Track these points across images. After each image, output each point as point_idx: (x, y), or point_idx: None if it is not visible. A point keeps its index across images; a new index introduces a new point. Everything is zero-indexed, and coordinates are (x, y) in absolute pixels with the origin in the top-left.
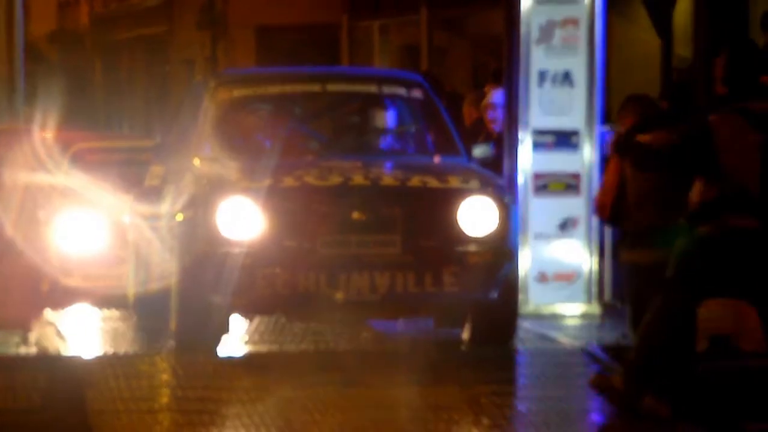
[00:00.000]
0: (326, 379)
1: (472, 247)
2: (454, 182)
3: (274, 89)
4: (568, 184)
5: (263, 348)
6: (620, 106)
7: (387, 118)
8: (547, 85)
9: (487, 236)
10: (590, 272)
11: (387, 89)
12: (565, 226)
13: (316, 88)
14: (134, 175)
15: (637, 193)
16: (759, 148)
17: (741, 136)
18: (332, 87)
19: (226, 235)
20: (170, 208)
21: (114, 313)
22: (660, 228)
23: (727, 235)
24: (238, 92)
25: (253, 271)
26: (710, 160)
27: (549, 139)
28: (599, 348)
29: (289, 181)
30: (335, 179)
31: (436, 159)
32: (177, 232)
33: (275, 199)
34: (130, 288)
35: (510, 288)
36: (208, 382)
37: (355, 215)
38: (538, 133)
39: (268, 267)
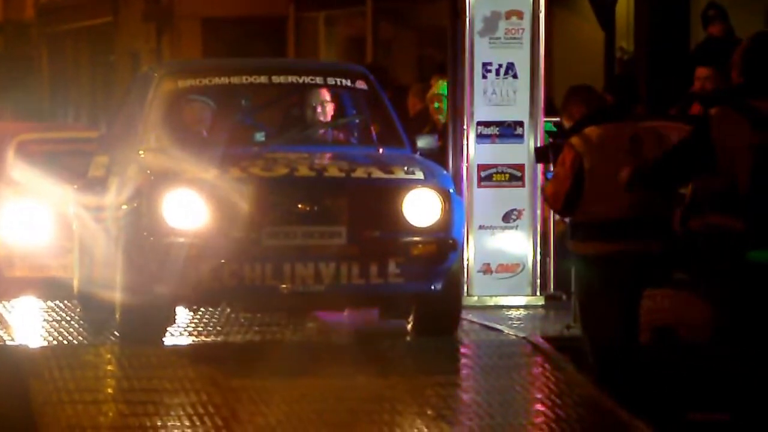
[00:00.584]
0: (272, 370)
1: (416, 238)
2: (399, 173)
3: (220, 80)
4: (513, 175)
5: (209, 339)
6: (564, 97)
7: (332, 110)
8: (492, 76)
9: (431, 227)
10: (534, 264)
11: (332, 81)
12: (510, 217)
13: (261, 79)
14: (79, 165)
15: (601, 186)
16: (753, 150)
17: (738, 134)
18: (278, 78)
19: (172, 226)
20: (115, 199)
21: (59, 303)
22: (624, 220)
23: (709, 234)
24: (183, 83)
25: (198, 263)
26: (707, 155)
27: (493, 130)
28: (543, 339)
29: (234, 172)
30: (281, 170)
31: (381, 150)
32: (122, 223)
33: (221, 190)
34: (75, 279)
35: (454, 279)
36: (153, 373)
37: (301, 206)
38: (483, 124)
39: (214, 258)
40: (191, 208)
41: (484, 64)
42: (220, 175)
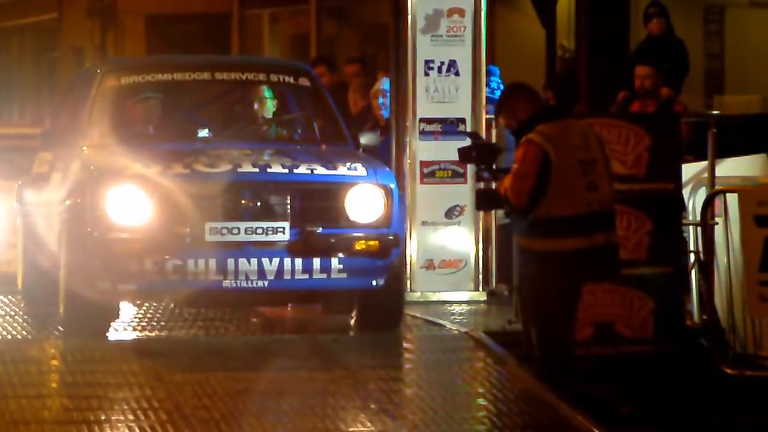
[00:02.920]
0: (215, 365)
1: (359, 234)
2: (341, 170)
3: (163, 77)
4: (455, 172)
5: (153, 333)
6: (506, 95)
7: (275, 107)
8: (434, 74)
9: (373, 223)
10: (477, 259)
11: (275, 78)
12: (452, 213)
13: (205, 76)
14: (23, 161)
15: (564, 182)
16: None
17: None
18: (221, 75)
19: (114, 222)
20: (58, 194)
21: (2, 298)
22: (588, 215)
23: None
24: (126, 79)
25: (141, 258)
26: None
27: (436, 127)
28: (485, 333)
29: (177, 168)
30: (224, 166)
31: (324, 147)
32: (65, 218)
33: (164, 185)
34: (19, 274)
35: (396, 275)
36: (97, 367)
37: (244, 202)
38: (425, 121)
39: (157, 254)
40: (134, 204)
41: (427, 62)
42: (163, 171)
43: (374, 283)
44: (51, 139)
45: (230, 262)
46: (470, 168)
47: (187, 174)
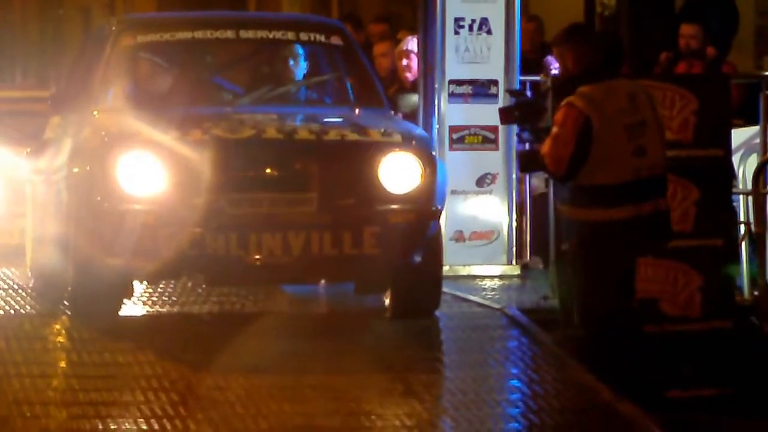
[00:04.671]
0: (231, 343)
1: (394, 206)
2: (375, 136)
3: (182, 35)
4: (486, 138)
5: (164, 309)
6: (560, 37)
7: (305, 67)
8: (464, 32)
9: (410, 194)
10: (510, 231)
11: (305, 36)
12: (483, 181)
13: (228, 34)
14: (28, 126)
15: (607, 148)
16: None
17: None
18: (246, 33)
19: (127, 192)
20: (66, 162)
21: (6, 271)
22: (633, 182)
23: None
24: (142, 38)
25: (155, 232)
26: None
27: (466, 89)
28: (519, 310)
29: (196, 134)
30: (246, 132)
31: (357, 110)
32: (73, 188)
33: (181, 152)
34: (28, 249)
35: (435, 252)
36: (106, 345)
37: (268, 171)
38: (455, 83)
39: (173, 227)
40: (148, 172)
41: (457, 20)
42: (180, 137)
43: (411, 259)
44: (61, 102)
45: (253, 236)
46: (502, 133)
47: (205, 140)
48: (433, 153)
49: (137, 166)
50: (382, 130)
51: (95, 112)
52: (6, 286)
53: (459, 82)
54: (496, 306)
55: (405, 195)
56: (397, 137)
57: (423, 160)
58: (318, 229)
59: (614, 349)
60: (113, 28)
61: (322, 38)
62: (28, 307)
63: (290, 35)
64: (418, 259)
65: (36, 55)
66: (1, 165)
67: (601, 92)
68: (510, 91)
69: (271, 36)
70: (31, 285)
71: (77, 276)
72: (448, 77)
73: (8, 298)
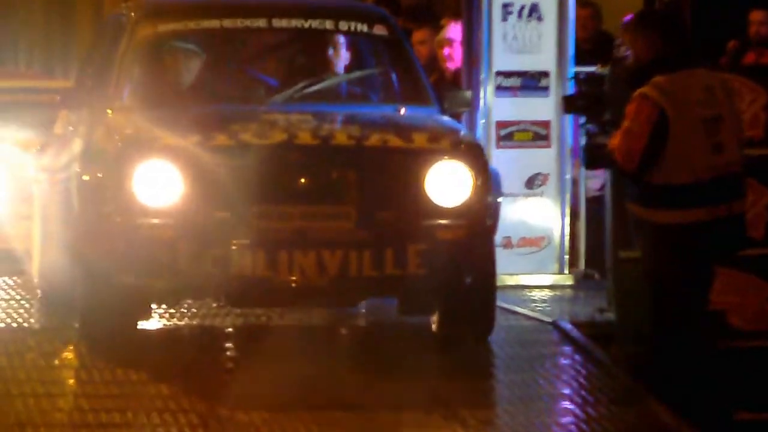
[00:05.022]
0: (257, 359)
1: (442, 221)
2: (421, 141)
3: (208, 24)
4: (537, 134)
5: (182, 322)
6: (633, 22)
7: (344, 60)
8: (513, 19)
9: (459, 207)
10: (562, 237)
11: (345, 25)
12: (534, 183)
13: (260, 23)
14: (34, 119)
15: (684, 143)
16: None
17: None
18: (279, 22)
19: (143, 204)
20: (78, 167)
21: (7, 280)
22: (711, 181)
23: None
24: (164, 27)
25: (174, 248)
26: None
27: (514, 82)
28: (572, 324)
29: (221, 139)
30: (277, 136)
31: (402, 110)
32: (83, 196)
33: (204, 160)
34: (35, 253)
35: (487, 271)
36: (118, 361)
37: (301, 181)
38: (503, 74)
39: (193, 243)
40: (166, 182)
41: (504, 5)
42: (202, 142)
43: (461, 280)
44: (74, 96)
45: (283, 254)
46: (554, 129)
47: (231, 146)
48: (485, 161)
49: (154, 176)
50: (429, 134)
51: (109, 111)
52: (8, 297)
53: (507, 74)
54: (547, 319)
55: (454, 208)
56: (446, 143)
57: (474, 168)
58: (356, 247)
59: (680, 366)
60: (131, 15)
61: (365, 28)
62: (32, 320)
63: (329, 24)
64: (469, 279)
65: (41, 42)
66: (4, 162)
67: (677, 83)
68: (574, 78)
69: (307, 25)
70: (38, 297)
71: (86, 296)
72: (494, 68)
73: (10, 310)
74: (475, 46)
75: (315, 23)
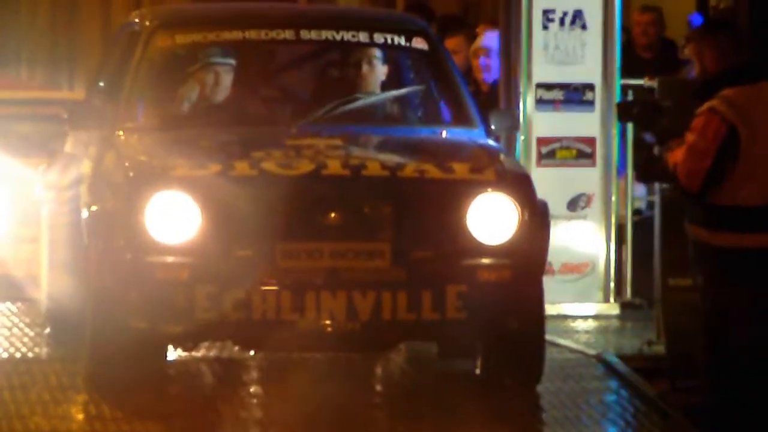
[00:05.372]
0: (274, 395)
1: (485, 260)
2: (462, 171)
3: (230, 35)
4: (581, 152)
5: (199, 352)
6: (699, 31)
7: (380, 77)
8: (554, 27)
9: (504, 245)
10: (607, 263)
11: (381, 38)
12: (577, 204)
13: (286, 35)
14: (36, 133)
15: (755, 162)
16: None
17: None
18: (309, 34)
19: (156, 240)
20: (85, 195)
21: (11, 306)
22: None
23: None
24: (181, 38)
25: (191, 290)
26: None
27: (556, 95)
28: (618, 358)
29: (242, 168)
30: (304, 166)
31: (443, 133)
32: (93, 230)
33: (223, 192)
34: (42, 281)
35: (535, 315)
36: (129, 394)
37: (330, 216)
38: (543, 87)
39: (212, 284)
40: (182, 217)
41: (546, 12)
42: (222, 172)
43: (506, 325)
44: (82, 116)
45: (311, 296)
46: (600, 147)
47: (254, 177)
48: (535, 192)
49: (168, 209)
50: (471, 163)
51: (120, 133)
52: (10, 324)
53: (548, 86)
54: (591, 352)
55: (498, 246)
56: (489, 173)
57: (521, 202)
58: (391, 288)
59: (746, 407)
60: (146, 24)
61: (402, 41)
62: (36, 349)
63: (363, 37)
64: (514, 324)
65: (45, 50)
66: (6, 179)
67: (748, 96)
68: (620, 105)
69: (339, 37)
70: (46, 327)
71: (94, 341)
72: (534, 80)
73: (13, 339)
74: (513, 56)
75: (348, 35)
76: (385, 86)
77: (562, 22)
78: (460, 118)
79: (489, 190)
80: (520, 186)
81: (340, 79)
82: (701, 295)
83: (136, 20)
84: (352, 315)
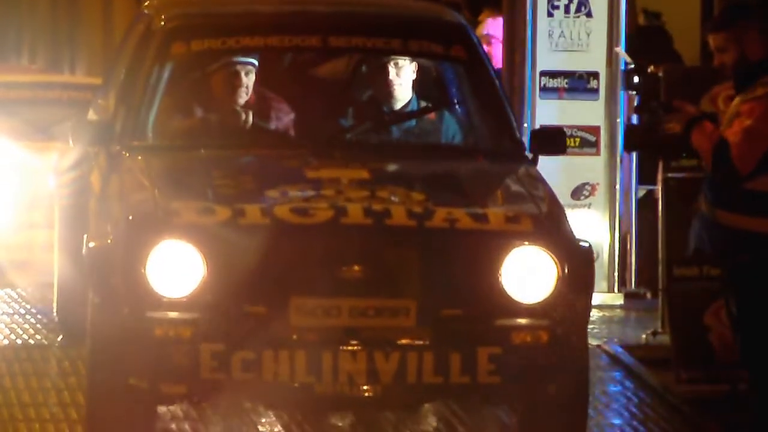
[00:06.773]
0: None
1: (520, 320)
2: (497, 221)
3: (252, 41)
4: (585, 140)
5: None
6: (735, 11)
7: (413, 90)
8: (559, 14)
9: (542, 304)
10: (612, 252)
11: (416, 45)
12: (580, 193)
13: (312, 41)
14: (38, 117)
15: None
16: None
17: None
18: (337, 41)
19: (158, 293)
20: (90, 223)
21: (11, 292)
22: None
23: None
24: (198, 45)
25: (195, 349)
26: None
27: (561, 83)
28: (622, 348)
29: (253, 214)
30: (321, 213)
31: (481, 163)
32: (87, 271)
33: (231, 242)
34: (55, 287)
35: (577, 379)
36: None
37: (350, 269)
38: (548, 75)
39: (218, 343)
40: (186, 268)
41: None
42: (231, 220)
43: (543, 390)
44: (86, 132)
45: (327, 357)
46: (604, 135)
47: (265, 225)
48: (577, 244)
49: (171, 260)
50: (507, 210)
51: (126, 153)
52: (11, 311)
53: (552, 74)
54: (595, 342)
55: (535, 305)
56: (527, 223)
57: (560, 256)
58: (416, 349)
59: None
60: (161, 25)
61: (439, 49)
62: (37, 336)
63: (395, 44)
64: (552, 390)
65: (47, 33)
66: (10, 163)
67: None
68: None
69: (369, 45)
70: (37, 308)
71: (92, 398)
72: (539, 68)
73: (14, 325)
74: (517, 43)
75: (379, 43)
76: (419, 100)
77: (567, 9)
78: (499, 141)
79: (525, 243)
80: (560, 237)
81: (367, 92)
82: (731, 277)
83: (148, 13)
84: (372, 378)
